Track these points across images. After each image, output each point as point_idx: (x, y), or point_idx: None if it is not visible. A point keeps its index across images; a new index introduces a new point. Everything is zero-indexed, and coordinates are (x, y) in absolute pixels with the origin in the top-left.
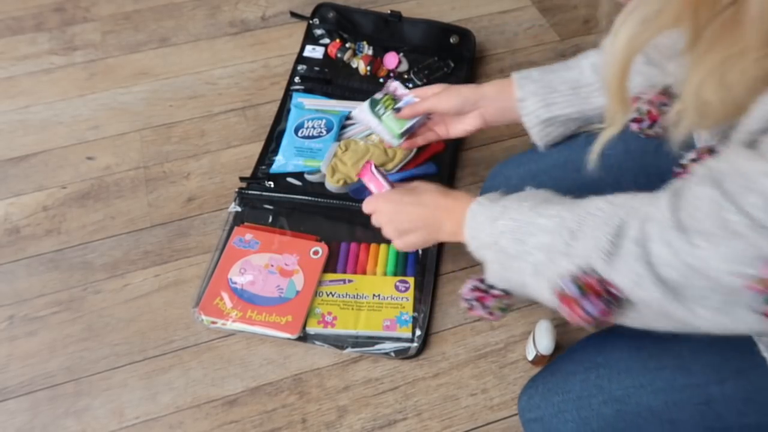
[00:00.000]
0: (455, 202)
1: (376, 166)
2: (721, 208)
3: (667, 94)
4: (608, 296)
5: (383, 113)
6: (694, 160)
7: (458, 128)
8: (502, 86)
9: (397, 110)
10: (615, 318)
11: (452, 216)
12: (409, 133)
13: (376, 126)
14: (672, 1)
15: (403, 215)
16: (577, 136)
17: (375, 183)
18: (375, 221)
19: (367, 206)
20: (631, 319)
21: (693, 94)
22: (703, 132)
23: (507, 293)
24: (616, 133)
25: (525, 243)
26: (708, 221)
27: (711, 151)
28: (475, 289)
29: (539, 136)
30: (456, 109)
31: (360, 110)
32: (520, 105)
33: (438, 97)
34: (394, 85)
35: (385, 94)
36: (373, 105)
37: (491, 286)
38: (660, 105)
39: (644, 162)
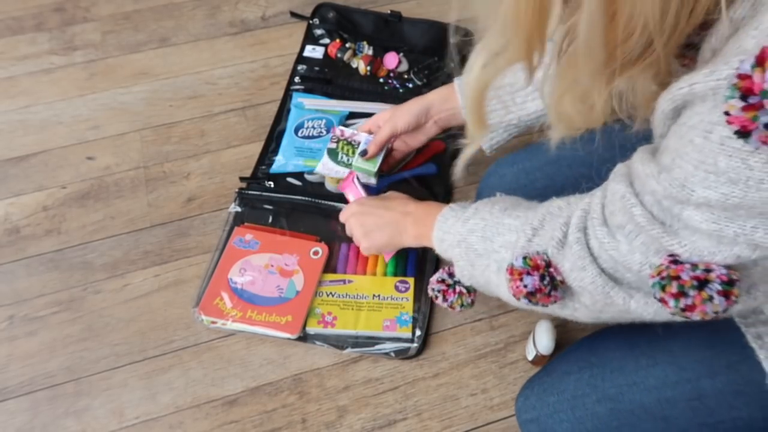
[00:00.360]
0: (422, 208)
1: (358, 178)
2: (630, 203)
3: None
4: (547, 275)
5: (349, 160)
6: None
7: (418, 139)
8: (446, 94)
9: (364, 153)
10: (557, 300)
11: (418, 221)
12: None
13: (345, 171)
14: (509, 44)
15: (370, 217)
16: None
17: (354, 193)
18: (348, 228)
19: (342, 215)
20: (574, 306)
21: (553, 109)
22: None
23: (470, 291)
24: (474, 151)
25: (492, 241)
26: (620, 215)
27: None
28: (442, 281)
29: (483, 141)
30: (413, 125)
31: (323, 165)
32: (463, 112)
33: (392, 120)
34: (339, 130)
35: (338, 141)
36: (335, 156)
37: (457, 282)
38: None
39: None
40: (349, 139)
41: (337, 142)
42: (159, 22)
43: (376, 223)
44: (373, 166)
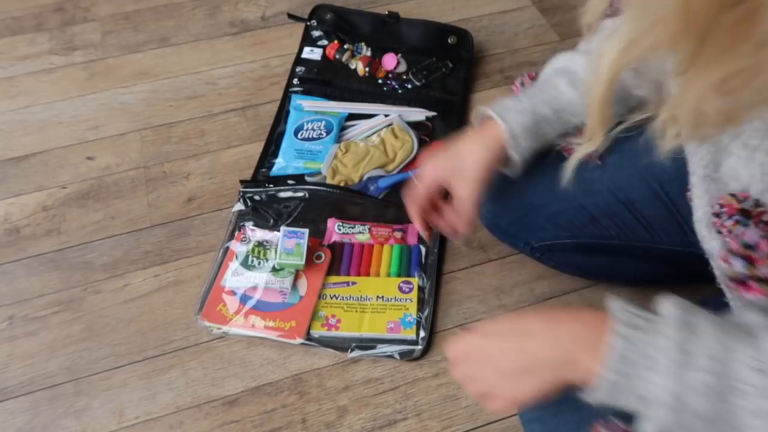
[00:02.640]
0: (585, 324)
1: None
2: None
3: None
4: None
5: (261, 264)
6: (718, 215)
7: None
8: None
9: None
10: None
11: (594, 347)
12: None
13: (259, 277)
14: (666, 20)
15: (506, 353)
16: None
17: None
18: (461, 371)
19: (451, 348)
20: None
21: (689, 106)
22: (692, 141)
23: None
24: (593, 149)
25: (732, 404)
26: None
27: (737, 199)
28: None
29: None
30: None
31: (233, 272)
32: (510, 143)
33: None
34: (250, 229)
35: (249, 241)
36: (245, 262)
37: None
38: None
39: (650, 169)
40: (261, 240)
41: (248, 243)
42: (159, 22)
43: (521, 363)
44: (300, 259)
